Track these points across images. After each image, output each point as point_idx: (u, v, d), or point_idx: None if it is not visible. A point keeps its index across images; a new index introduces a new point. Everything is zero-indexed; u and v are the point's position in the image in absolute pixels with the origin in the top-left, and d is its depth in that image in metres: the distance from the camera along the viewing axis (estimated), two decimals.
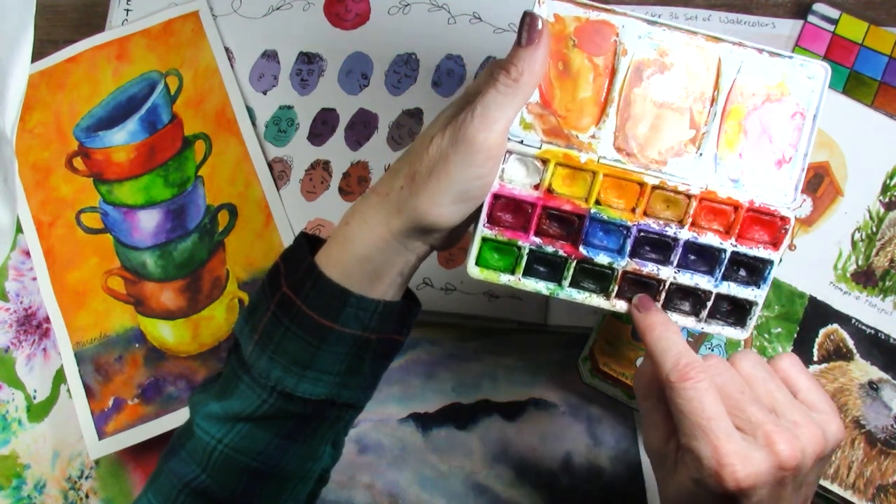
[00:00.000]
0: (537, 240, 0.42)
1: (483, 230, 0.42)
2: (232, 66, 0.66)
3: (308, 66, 0.66)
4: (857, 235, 0.59)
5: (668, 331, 0.40)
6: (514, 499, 0.59)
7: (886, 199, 0.59)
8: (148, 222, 0.64)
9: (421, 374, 0.61)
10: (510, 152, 0.41)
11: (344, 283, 0.41)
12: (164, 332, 0.62)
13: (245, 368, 0.42)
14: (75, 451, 0.62)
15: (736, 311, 0.44)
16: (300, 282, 0.42)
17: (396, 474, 0.60)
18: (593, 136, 0.42)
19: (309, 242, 0.44)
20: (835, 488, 0.54)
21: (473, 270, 0.43)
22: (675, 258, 0.42)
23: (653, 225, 0.42)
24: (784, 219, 0.42)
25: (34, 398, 0.63)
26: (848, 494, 0.54)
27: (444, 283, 0.61)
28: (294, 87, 0.66)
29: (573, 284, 0.43)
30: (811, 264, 0.58)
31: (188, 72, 0.66)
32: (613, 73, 0.41)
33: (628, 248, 0.42)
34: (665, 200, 0.42)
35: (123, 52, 0.67)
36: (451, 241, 0.44)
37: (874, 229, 0.59)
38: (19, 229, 0.65)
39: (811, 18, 0.64)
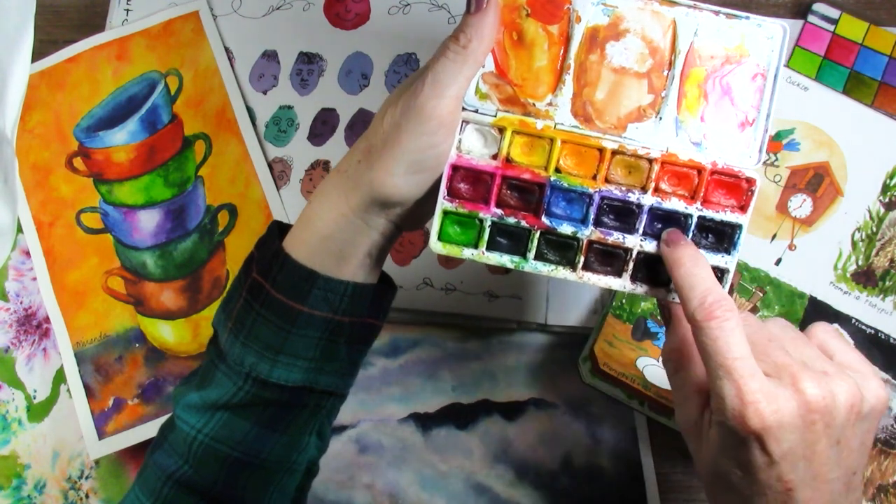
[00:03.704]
0: (498, 211, 0.42)
1: (443, 203, 0.41)
2: (232, 66, 0.66)
3: (308, 66, 0.66)
4: (857, 235, 0.59)
5: (696, 266, 0.39)
6: (514, 499, 0.59)
7: (886, 199, 0.59)
8: (148, 222, 0.64)
9: (421, 374, 0.61)
10: (466, 122, 0.41)
11: (310, 265, 0.41)
12: (164, 332, 0.62)
13: (221, 357, 0.42)
14: (75, 451, 0.62)
15: None
16: (268, 266, 0.42)
17: (396, 474, 0.60)
18: (550, 104, 0.41)
19: (281, 229, 0.44)
20: None
21: (436, 245, 0.42)
22: (641, 226, 0.42)
23: (615, 191, 0.42)
24: (750, 180, 0.42)
25: (34, 398, 0.63)
26: None
27: (444, 283, 0.61)
28: (294, 87, 0.66)
29: (538, 257, 0.42)
30: (811, 264, 0.59)
31: (188, 72, 0.66)
32: (568, 40, 0.41)
33: (591, 216, 0.42)
34: (626, 166, 0.42)
35: (123, 52, 0.67)
36: (418, 221, 0.44)
37: (874, 229, 0.59)
38: (19, 229, 0.65)
39: (811, 18, 0.64)
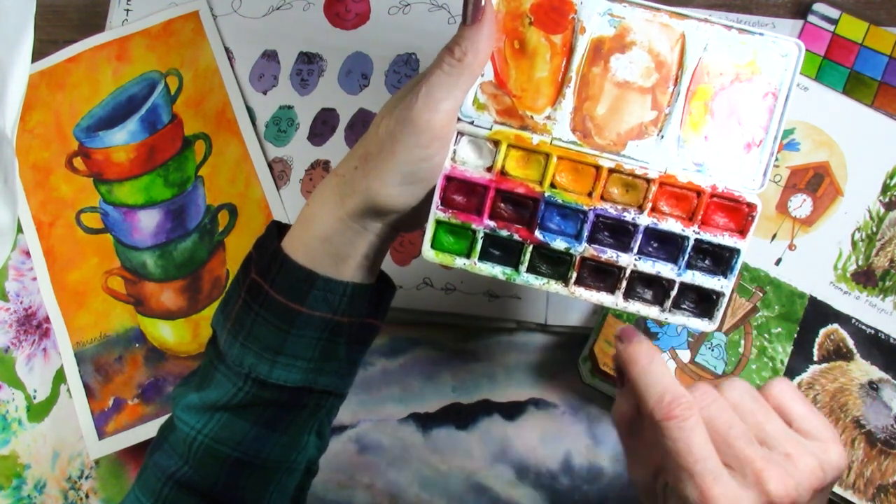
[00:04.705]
0: (491, 223, 0.41)
1: (436, 213, 0.41)
2: (232, 66, 0.66)
3: (308, 66, 0.66)
4: (857, 235, 0.59)
5: (652, 363, 0.38)
6: (514, 499, 0.59)
7: (886, 199, 0.59)
8: (148, 222, 0.64)
9: (421, 374, 0.61)
10: (462, 133, 0.40)
11: (309, 266, 0.41)
12: (164, 332, 0.62)
13: (220, 358, 0.42)
14: (75, 451, 0.62)
15: (703, 302, 0.42)
16: (267, 266, 0.42)
17: (396, 474, 0.60)
18: (549, 118, 0.40)
19: (280, 230, 0.44)
20: (835, 488, 0.54)
21: (429, 253, 0.41)
22: (636, 245, 0.41)
23: (610, 210, 0.40)
24: (751, 205, 0.40)
25: (34, 398, 0.63)
26: (848, 494, 0.54)
27: (444, 283, 0.61)
28: (294, 87, 0.66)
29: (530, 270, 0.41)
30: (811, 264, 0.59)
31: (188, 72, 0.66)
32: (571, 51, 0.40)
33: (586, 233, 0.41)
34: (624, 185, 0.41)
35: (123, 52, 0.67)
36: (415, 224, 0.43)
37: (874, 229, 0.59)
38: (19, 229, 0.65)
39: (811, 18, 0.64)
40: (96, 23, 0.69)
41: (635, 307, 0.42)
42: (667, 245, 0.41)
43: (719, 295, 0.41)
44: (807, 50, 0.64)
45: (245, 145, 0.64)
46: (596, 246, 0.41)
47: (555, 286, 0.42)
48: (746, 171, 0.40)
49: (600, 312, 0.60)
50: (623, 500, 0.58)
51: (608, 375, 0.56)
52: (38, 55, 0.66)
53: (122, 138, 0.65)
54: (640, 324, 0.58)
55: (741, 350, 0.57)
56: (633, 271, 0.41)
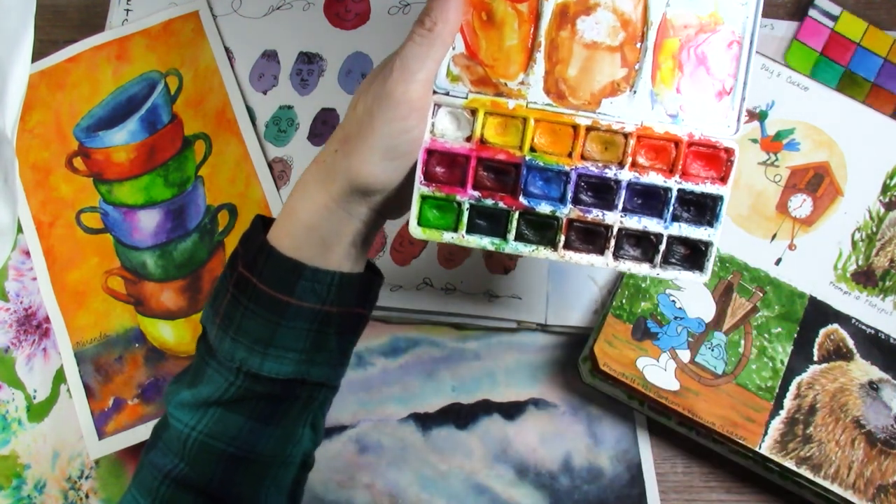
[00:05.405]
0: (475, 193, 0.41)
1: (420, 188, 0.41)
2: (232, 66, 0.66)
3: (308, 66, 0.66)
4: (857, 235, 0.59)
5: None
6: (514, 499, 0.59)
7: (886, 199, 0.59)
8: (148, 222, 0.64)
9: (421, 374, 0.61)
10: (439, 105, 0.41)
11: (295, 256, 0.41)
12: (164, 332, 0.62)
13: (211, 353, 0.42)
14: (75, 451, 0.62)
15: (693, 255, 0.43)
16: (254, 259, 0.42)
17: (396, 474, 0.60)
18: (522, 83, 0.41)
19: (265, 223, 0.44)
20: (835, 488, 0.54)
21: (416, 231, 0.42)
22: (620, 202, 0.41)
23: (591, 168, 0.41)
24: (728, 151, 0.41)
25: (34, 398, 0.63)
26: (848, 494, 0.54)
27: (444, 283, 0.61)
28: (294, 87, 0.66)
29: (518, 238, 0.42)
30: (811, 264, 0.59)
31: (188, 72, 0.66)
32: (538, 18, 0.41)
33: (569, 194, 0.41)
34: (602, 142, 0.41)
35: (123, 52, 0.67)
36: (400, 209, 0.43)
37: (874, 229, 0.59)
38: (19, 229, 0.65)
39: (812, 13, 0.64)
40: (96, 23, 0.69)
41: (626, 265, 0.42)
42: (651, 200, 0.42)
43: (707, 245, 0.42)
44: (804, 45, 0.64)
45: (245, 145, 0.64)
46: (581, 207, 0.42)
47: (544, 252, 0.42)
48: (721, 119, 0.41)
49: (600, 312, 0.60)
50: (623, 499, 0.58)
51: (608, 375, 0.56)
52: (38, 55, 0.66)
53: (122, 138, 0.65)
54: (641, 323, 0.58)
55: (741, 350, 0.57)
56: (620, 229, 0.42)
